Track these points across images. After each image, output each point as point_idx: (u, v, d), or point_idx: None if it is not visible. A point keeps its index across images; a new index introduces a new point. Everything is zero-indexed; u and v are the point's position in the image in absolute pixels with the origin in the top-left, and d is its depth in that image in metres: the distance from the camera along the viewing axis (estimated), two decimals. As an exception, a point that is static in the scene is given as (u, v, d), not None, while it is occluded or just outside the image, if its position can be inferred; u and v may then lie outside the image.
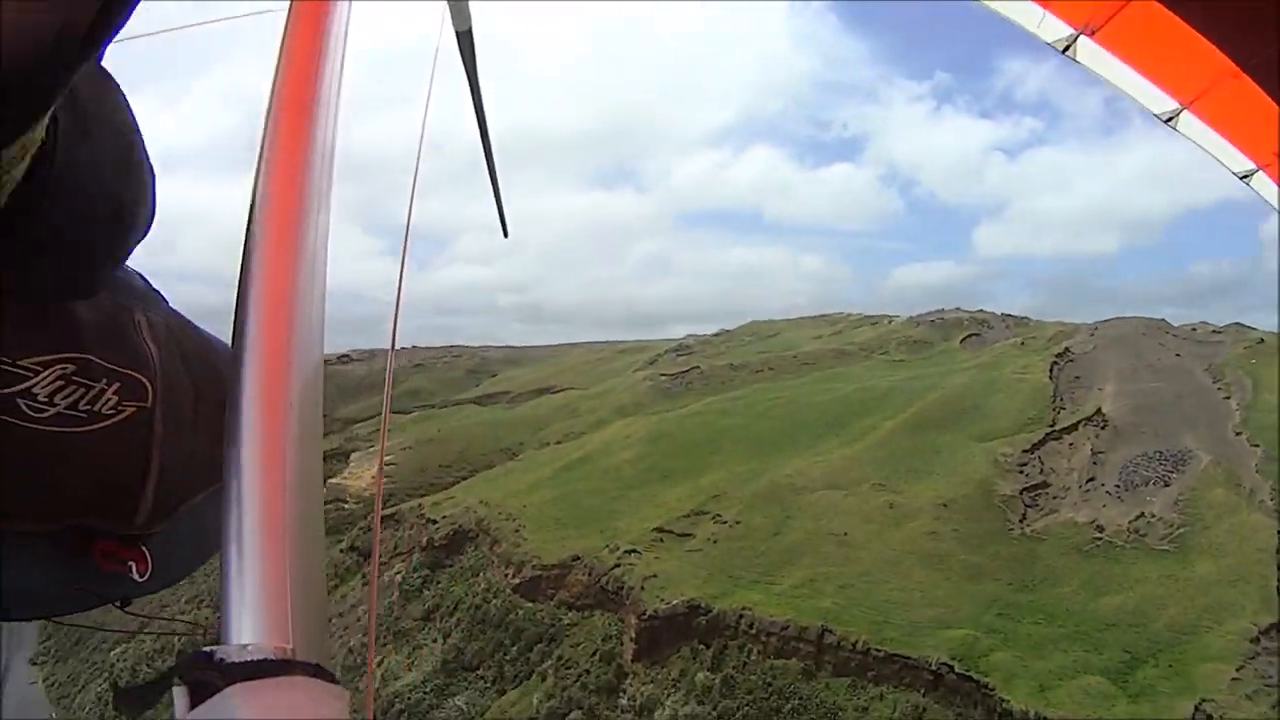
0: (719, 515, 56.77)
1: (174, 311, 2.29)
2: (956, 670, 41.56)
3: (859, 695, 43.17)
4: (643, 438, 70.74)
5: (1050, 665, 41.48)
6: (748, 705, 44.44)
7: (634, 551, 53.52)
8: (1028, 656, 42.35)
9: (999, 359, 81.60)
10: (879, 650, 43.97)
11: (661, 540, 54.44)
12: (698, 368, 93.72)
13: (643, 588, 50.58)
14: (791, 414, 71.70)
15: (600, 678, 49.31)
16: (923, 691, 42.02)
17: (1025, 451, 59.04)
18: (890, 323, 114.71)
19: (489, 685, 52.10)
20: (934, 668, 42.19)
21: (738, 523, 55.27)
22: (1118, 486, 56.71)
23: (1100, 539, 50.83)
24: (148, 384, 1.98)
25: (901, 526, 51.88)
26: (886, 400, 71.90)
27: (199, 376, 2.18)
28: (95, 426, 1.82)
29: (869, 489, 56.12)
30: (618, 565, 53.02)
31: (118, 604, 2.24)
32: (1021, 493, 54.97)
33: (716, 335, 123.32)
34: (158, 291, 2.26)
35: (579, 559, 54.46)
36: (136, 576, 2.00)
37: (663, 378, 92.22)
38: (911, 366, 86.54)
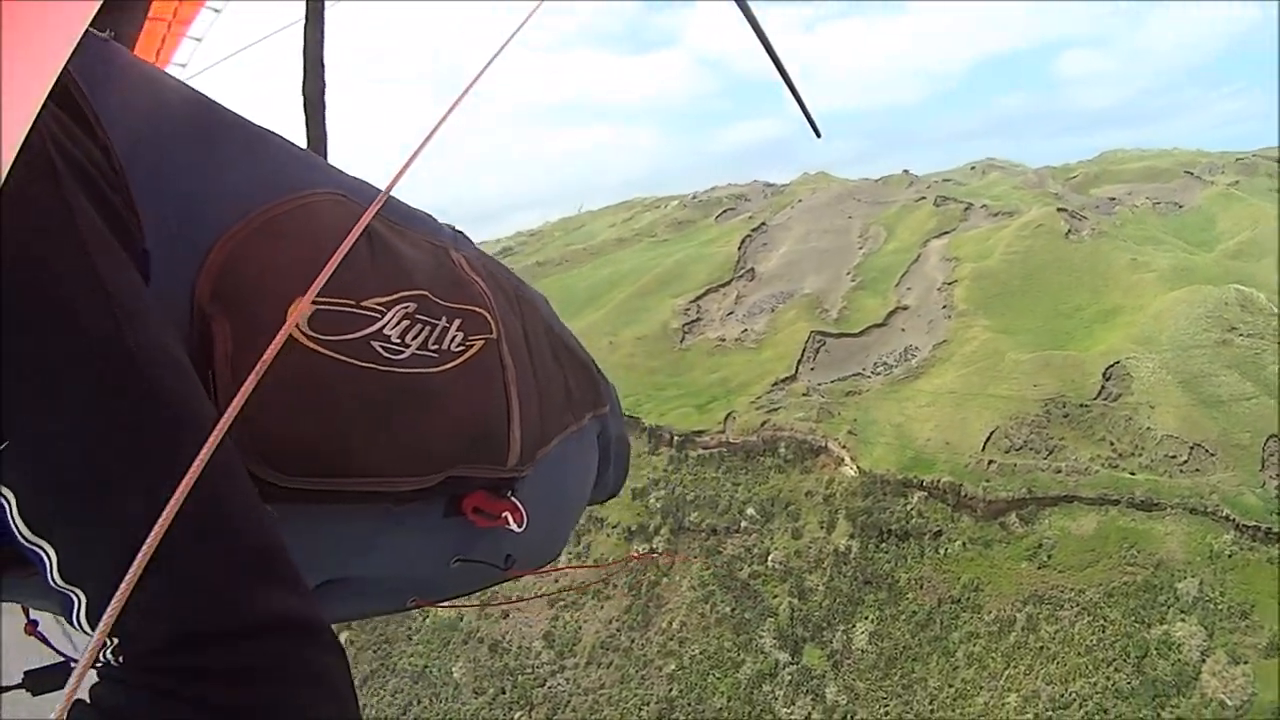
0: None
1: (481, 251, 2.65)
2: (630, 415, 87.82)
3: None
4: None
5: (671, 408, 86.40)
6: None
7: None
8: (663, 406, 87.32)
9: (722, 235, 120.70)
10: None
11: None
12: (513, 268, 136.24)
13: None
14: (569, 296, 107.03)
15: None
16: None
17: (693, 300, 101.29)
18: (668, 206, 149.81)
19: None
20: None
21: None
22: (743, 316, 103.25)
23: (721, 345, 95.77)
24: (488, 316, 2.22)
25: (615, 353, 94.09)
26: (630, 277, 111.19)
27: (521, 312, 2.53)
28: (449, 365, 1.99)
29: (601, 336, 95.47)
30: None
31: (504, 565, 2.45)
32: (684, 325, 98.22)
33: (534, 234, 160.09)
34: (462, 232, 2.60)
35: None
36: (514, 527, 2.15)
37: None
38: (668, 245, 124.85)
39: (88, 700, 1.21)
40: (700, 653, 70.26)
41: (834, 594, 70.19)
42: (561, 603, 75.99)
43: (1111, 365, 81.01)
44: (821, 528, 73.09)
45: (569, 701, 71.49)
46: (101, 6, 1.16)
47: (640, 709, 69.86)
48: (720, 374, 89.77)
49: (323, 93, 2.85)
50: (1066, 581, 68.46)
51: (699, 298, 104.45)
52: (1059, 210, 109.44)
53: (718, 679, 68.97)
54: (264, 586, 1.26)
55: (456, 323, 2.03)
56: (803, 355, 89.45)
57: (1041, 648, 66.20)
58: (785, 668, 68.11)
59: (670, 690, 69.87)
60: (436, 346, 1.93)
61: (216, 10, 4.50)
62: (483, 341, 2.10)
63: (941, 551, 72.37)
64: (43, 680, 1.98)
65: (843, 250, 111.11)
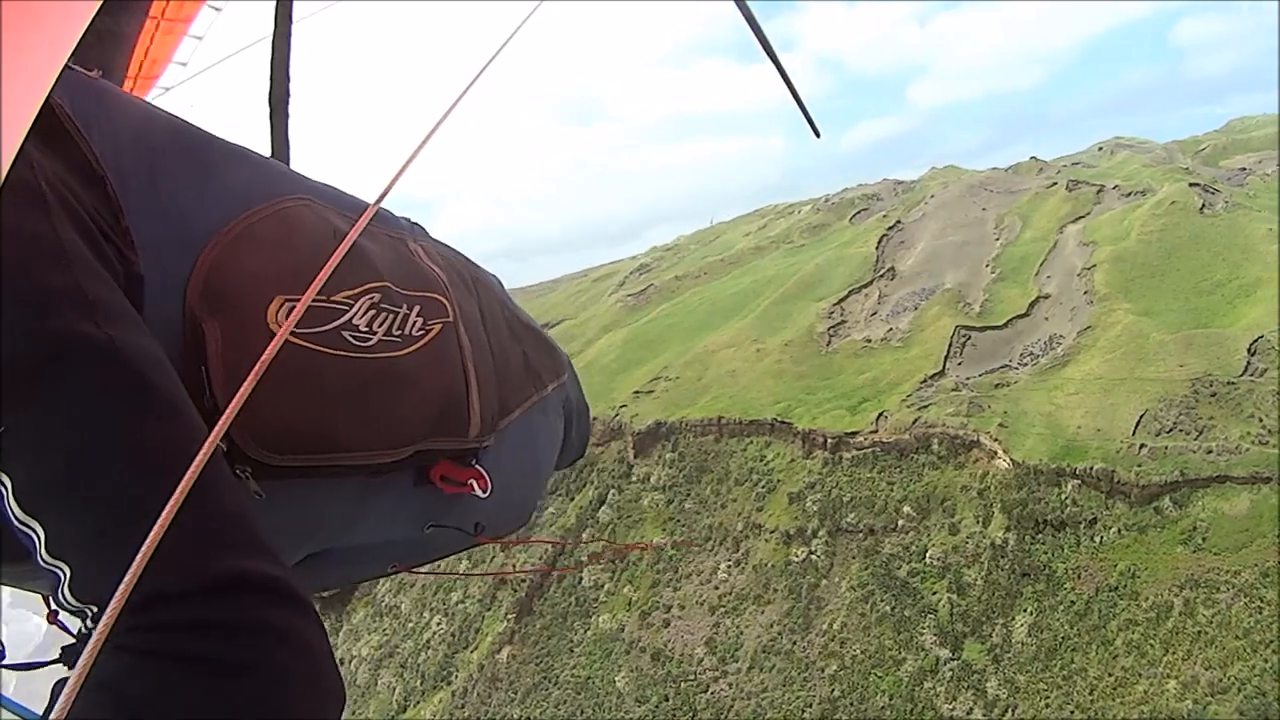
0: (668, 376, 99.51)
1: (436, 240, 2.98)
2: (782, 421, 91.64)
3: (742, 444, 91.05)
4: (619, 343, 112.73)
5: (823, 411, 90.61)
6: (691, 461, 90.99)
7: (624, 406, 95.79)
8: (814, 410, 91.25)
9: (858, 237, 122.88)
10: (746, 419, 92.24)
11: (637, 397, 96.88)
12: (653, 284, 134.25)
13: (631, 422, 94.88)
14: (711, 307, 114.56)
15: (618, 472, 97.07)
16: (767, 435, 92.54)
17: (836, 303, 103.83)
18: (801, 211, 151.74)
19: (564, 497, 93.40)
20: (771, 422, 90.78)
21: (678, 378, 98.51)
22: (886, 315, 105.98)
23: (868, 346, 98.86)
24: (445, 301, 2.49)
25: (763, 360, 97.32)
26: (772, 283, 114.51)
27: (477, 294, 2.83)
28: (412, 349, 2.28)
29: (749, 344, 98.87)
30: (617, 415, 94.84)
31: (473, 531, 2.82)
32: (829, 328, 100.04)
33: (670, 248, 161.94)
34: (418, 224, 2.92)
35: (596, 418, 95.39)
36: (479, 493, 2.46)
37: (629, 297, 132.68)
38: (804, 250, 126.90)
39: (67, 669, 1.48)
40: (861, 652, 72.10)
41: (992, 588, 71.52)
42: (723, 609, 77.75)
43: (1255, 340, 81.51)
44: (977, 522, 74.58)
45: (732, 706, 73.88)
46: (102, 6, 1.27)
47: (803, 711, 71.94)
48: (869, 374, 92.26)
49: (287, 99, 3.12)
50: (1222, 564, 69.01)
51: (841, 300, 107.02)
52: (1191, 185, 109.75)
53: (879, 678, 70.89)
54: (231, 549, 1.42)
55: (416, 309, 2.36)
56: (949, 351, 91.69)
57: (1199, 632, 66.83)
58: (946, 664, 69.67)
59: (832, 691, 71.72)
60: (400, 332, 2.24)
61: (217, 9, 4.68)
62: (440, 325, 2.43)
63: (1097, 540, 73.24)
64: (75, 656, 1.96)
65: (980, 242, 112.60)
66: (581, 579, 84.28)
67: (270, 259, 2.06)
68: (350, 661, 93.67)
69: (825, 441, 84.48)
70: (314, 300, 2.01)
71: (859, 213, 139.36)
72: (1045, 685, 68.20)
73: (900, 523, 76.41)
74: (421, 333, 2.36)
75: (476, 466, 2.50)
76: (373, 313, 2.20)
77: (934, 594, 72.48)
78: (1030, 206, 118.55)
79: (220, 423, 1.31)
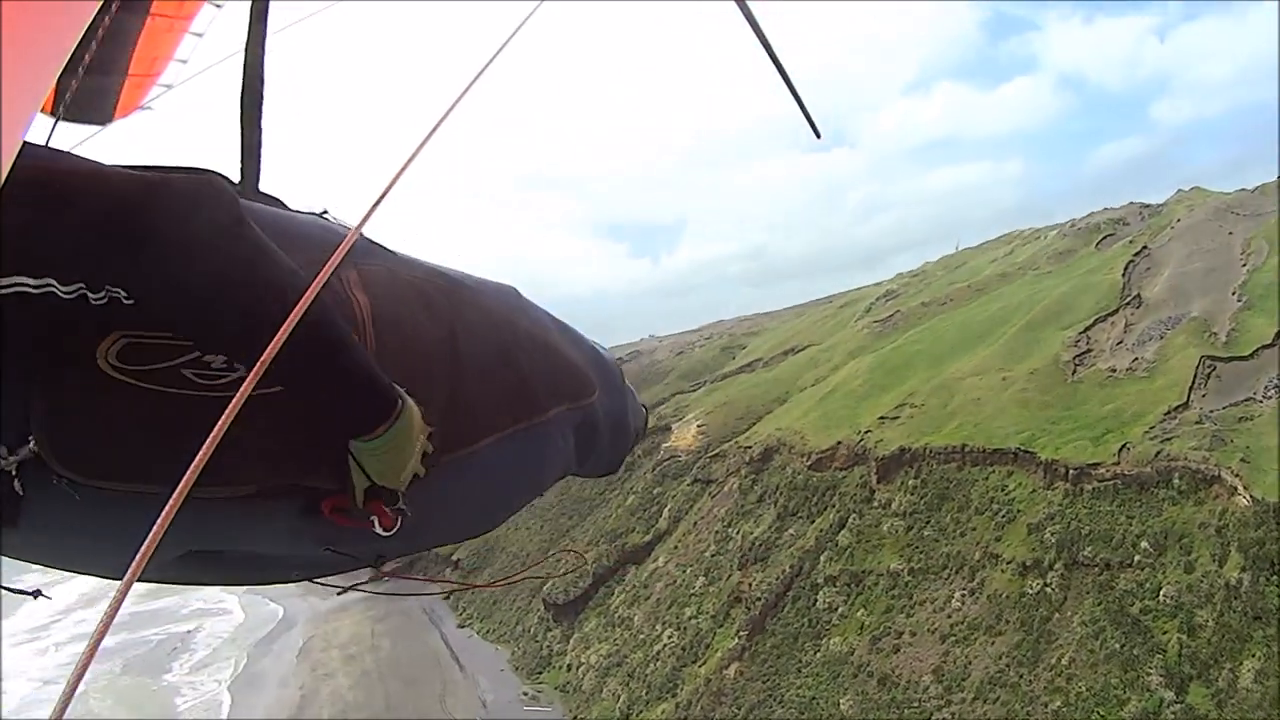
0: (913, 403, 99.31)
1: (399, 261, 2.99)
2: (1025, 450, 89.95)
3: (984, 472, 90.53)
4: (865, 369, 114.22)
5: (1066, 441, 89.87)
6: (933, 489, 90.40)
7: (869, 432, 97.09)
8: (1057, 440, 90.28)
9: (1105, 263, 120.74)
10: (989, 448, 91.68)
11: (883, 423, 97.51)
12: (899, 311, 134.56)
13: (875, 448, 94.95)
14: (958, 334, 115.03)
15: (860, 496, 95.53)
16: (1010, 464, 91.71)
17: (1083, 332, 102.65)
18: (1047, 236, 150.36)
19: (804, 520, 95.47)
20: (1014, 451, 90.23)
21: (923, 405, 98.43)
22: (1132, 344, 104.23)
23: (1113, 376, 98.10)
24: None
25: (1008, 389, 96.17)
26: (1018, 311, 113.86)
27: (450, 319, 2.86)
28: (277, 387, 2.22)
29: (994, 372, 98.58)
30: (861, 440, 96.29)
31: (374, 563, 2.88)
32: (1074, 357, 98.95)
33: (916, 275, 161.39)
34: (383, 246, 2.94)
35: (840, 443, 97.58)
36: (381, 531, 2.48)
37: (875, 324, 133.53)
38: (1051, 277, 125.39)
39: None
40: (1087, 689, 71.37)
41: (1223, 630, 69.61)
42: (954, 638, 78.24)
43: None
44: (1213, 560, 72.82)
45: (953, 737, 74.06)
46: (102, 6, 1.33)
47: (1023, 746, 71.46)
48: (1113, 405, 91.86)
49: (260, 103, 3.14)
50: None
51: (1088, 328, 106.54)
52: None
53: (1101, 716, 70.03)
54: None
55: None
56: (1194, 382, 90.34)
57: None
58: (1169, 706, 68.09)
59: (1054, 727, 71.45)
60: None
61: (218, 6, 4.65)
62: None
63: (1335, 586, 70.25)
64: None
65: (1226, 268, 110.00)
66: (816, 601, 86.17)
67: None
68: (578, 668, 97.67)
69: (1067, 472, 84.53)
70: (155, 337, 2.27)
71: (1105, 238, 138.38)
72: (1267, 734, 66.61)
73: (1136, 558, 75.40)
74: None
75: (383, 506, 2.57)
76: None
77: (1164, 633, 71.23)
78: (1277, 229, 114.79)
79: (222, 420, 1.51)
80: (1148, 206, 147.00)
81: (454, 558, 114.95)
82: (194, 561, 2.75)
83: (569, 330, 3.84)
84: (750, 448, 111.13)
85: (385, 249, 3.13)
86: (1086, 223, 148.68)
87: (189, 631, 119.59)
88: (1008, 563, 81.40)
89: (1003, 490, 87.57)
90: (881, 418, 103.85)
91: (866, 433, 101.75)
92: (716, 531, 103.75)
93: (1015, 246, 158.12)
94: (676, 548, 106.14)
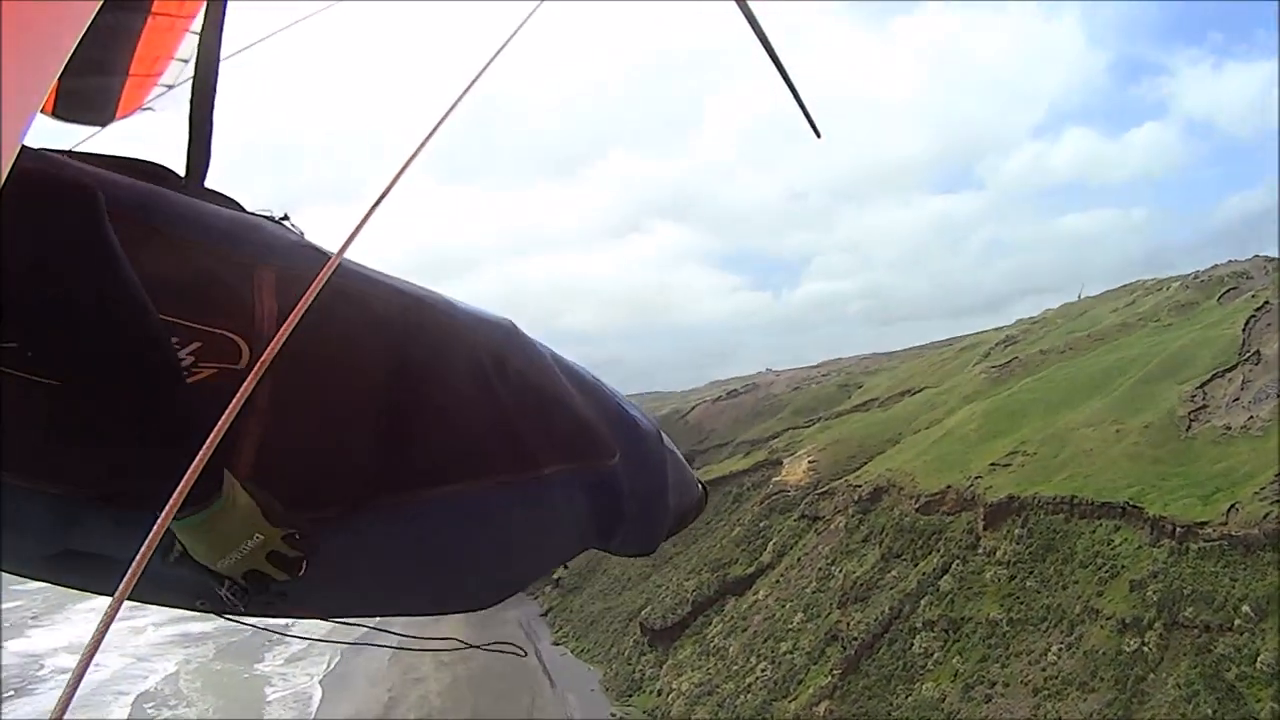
0: (1025, 451, 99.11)
1: (381, 280, 2.77)
2: (1133, 505, 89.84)
3: (1091, 525, 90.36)
4: (980, 414, 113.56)
5: (1175, 498, 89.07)
6: (1039, 539, 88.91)
7: (979, 478, 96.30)
8: (1166, 496, 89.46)
9: (1226, 316, 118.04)
10: (1098, 501, 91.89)
11: (993, 470, 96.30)
12: (1018, 358, 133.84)
13: (984, 494, 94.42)
14: (1074, 383, 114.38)
15: (965, 543, 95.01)
16: (1117, 518, 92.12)
17: (1199, 387, 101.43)
18: (1170, 287, 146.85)
19: (907, 563, 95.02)
20: (1123, 506, 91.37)
21: (1035, 454, 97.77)
22: (1249, 402, 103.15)
23: (1227, 433, 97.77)
24: (239, 343, 2.27)
25: (1121, 442, 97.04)
26: (1136, 363, 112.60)
27: (374, 349, 2.62)
28: None
29: (1108, 424, 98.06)
30: (971, 486, 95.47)
31: (227, 612, 2.61)
32: (1189, 413, 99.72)
33: (1036, 321, 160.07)
34: (319, 249, 2.64)
35: (950, 487, 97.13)
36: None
37: (993, 369, 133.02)
38: (1172, 330, 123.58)
39: None
40: None
41: None
42: (1046, 691, 77.85)
43: None
44: None
45: (1037, 792, 72.28)
46: (102, 5, 1.28)
47: (1105, 809, 69.52)
48: (1225, 463, 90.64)
49: (211, 107, 2.94)
50: None
51: (1205, 384, 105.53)
52: None
53: None
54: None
55: (193, 345, 2.25)
56: None
57: None
58: None
59: (1135, 790, 69.34)
60: None
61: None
62: (213, 371, 2.27)
63: None
64: None
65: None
66: (913, 644, 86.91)
67: None
68: (669, 694, 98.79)
69: (1173, 530, 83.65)
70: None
71: (1228, 291, 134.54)
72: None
73: (1237, 622, 73.99)
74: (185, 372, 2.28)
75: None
76: None
77: (1258, 701, 69.81)
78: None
79: (222, 420, 1.52)
80: (1272, 260, 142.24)
81: (555, 575, 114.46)
82: (77, 563, 2.69)
83: (586, 380, 3.51)
84: (860, 486, 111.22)
85: (356, 264, 2.88)
86: (1210, 275, 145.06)
87: (286, 624, 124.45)
88: (1107, 619, 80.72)
89: (1108, 544, 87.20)
90: (993, 464, 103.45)
91: (977, 478, 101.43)
92: (819, 569, 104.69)
93: (1137, 297, 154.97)
94: (778, 582, 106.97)
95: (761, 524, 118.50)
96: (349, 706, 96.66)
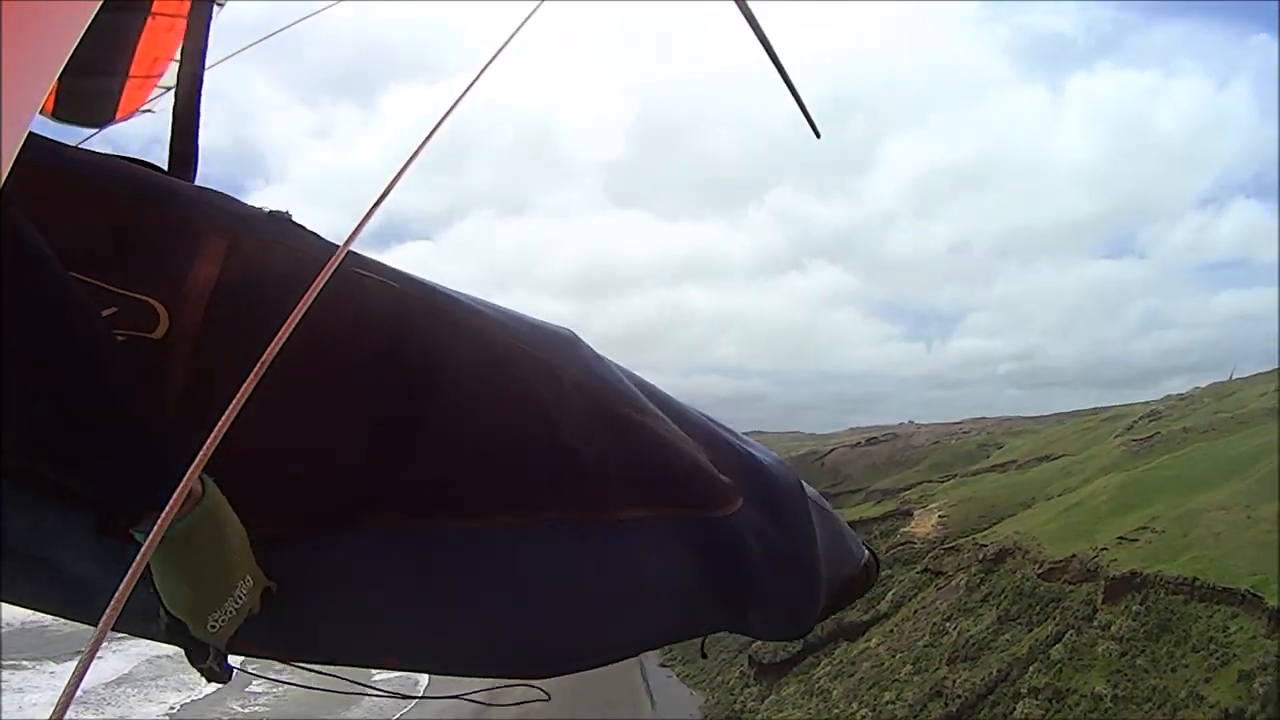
0: (1154, 528, 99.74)
1: (399, 274, 2.46)
2: (1253, 593, 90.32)
3: (1209, 610, 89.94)
4: (1114, 487, 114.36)
5: None
6: (1155, 618, 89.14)
7: (1104, 549, 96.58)
8: None
9: None
10: (1219, 586, 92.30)
11: (1120, 543, 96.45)
12: (1159, 433, 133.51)
13: (1108, 566, 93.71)
14: (1213, 464, 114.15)
15: (1082, 614, 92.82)
16: (1236, 605, 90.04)
17: None
18: None
19: (1022, 628, 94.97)
20: (1243, 593, 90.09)
21: (1163, 532, 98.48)
22: None
23: None
24: (159, 310, 2.00)
25: (1251, 529, 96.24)
26: (1277, 449, 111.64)
27: (379, 342, 2.34)
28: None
29: (1240, 508, 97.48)
30: (1096, 557, 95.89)
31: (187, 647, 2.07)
32: None
33: (1183, 398, 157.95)
34: (305, 227, 2.39)
35: (1075, 556, 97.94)
36: None
37: (1133, 443, 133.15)
38: None
39: None
40: None
41: None
42: None
43: None
44: None
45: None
46: (102, 5, 1.26)
47: None
48: None
49: (197, 105, 2.72)
50: None
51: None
52: None
53: None
54: None
55: (109, 310, 1.99)
56: None
57: None
58: None
59: None
60: None
61: (219, 5, 4.07)
62: (126, 338, 1.99)
63: None
64: None
65: None
66: (1015, 709, 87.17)
67: None
68: None
69: None
70: None
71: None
72: None
73: None
74: None
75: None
76: None
77: None
78: None
79: (217, 428, 1.37)
80: None
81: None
82: (26, 565, 2.33)
83: (688, 412, 2.93)
84: (986, 546, 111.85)
85: (367, 258, 2.56)
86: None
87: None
88: (1211, 706, 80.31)
89: (1223, 631, 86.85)
90: (1120, 537, 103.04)
91: (1102, 550, 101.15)
92: (934, 623, 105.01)
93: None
94: (892, 631, 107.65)
95: (885, 573, 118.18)
96: (446, 705, 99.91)
